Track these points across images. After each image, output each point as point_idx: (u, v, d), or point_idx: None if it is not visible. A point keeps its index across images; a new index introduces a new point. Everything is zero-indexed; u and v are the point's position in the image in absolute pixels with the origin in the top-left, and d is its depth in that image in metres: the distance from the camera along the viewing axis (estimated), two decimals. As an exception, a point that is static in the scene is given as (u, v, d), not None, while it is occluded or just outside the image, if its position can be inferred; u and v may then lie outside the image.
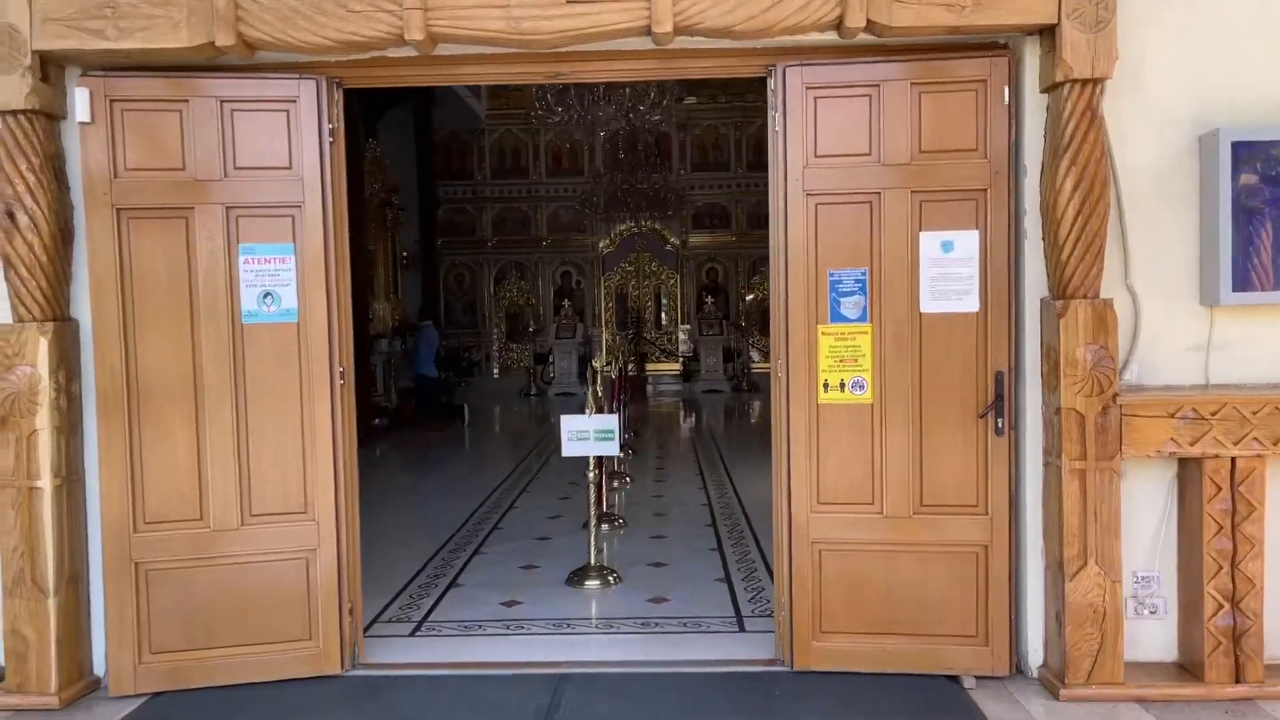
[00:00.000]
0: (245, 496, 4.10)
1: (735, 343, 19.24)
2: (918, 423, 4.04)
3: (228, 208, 4.05)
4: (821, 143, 4.03)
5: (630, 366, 18.00)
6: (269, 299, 4.10)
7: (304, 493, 4.15)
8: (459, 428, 13.29)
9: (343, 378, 4.21)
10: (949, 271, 3.99)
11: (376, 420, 12.34)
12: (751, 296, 19.79)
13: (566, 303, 19.64)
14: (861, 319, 4.05)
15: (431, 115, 16.57)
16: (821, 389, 4.08)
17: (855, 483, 4.08)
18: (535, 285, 20.20)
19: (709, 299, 19.66)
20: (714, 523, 7.09)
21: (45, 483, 3.88)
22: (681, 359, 19.65)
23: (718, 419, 14.74)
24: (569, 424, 5.54)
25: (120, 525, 4.01)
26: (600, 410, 6.01)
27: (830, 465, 4.09)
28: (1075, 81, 3.73)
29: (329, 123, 4.14)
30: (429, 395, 13.51)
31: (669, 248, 20.10)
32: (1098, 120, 3.77)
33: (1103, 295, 3.83)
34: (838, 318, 4.06)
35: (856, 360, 4.05)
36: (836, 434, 4.08)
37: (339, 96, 4.22)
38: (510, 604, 5.19)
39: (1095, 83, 3.75)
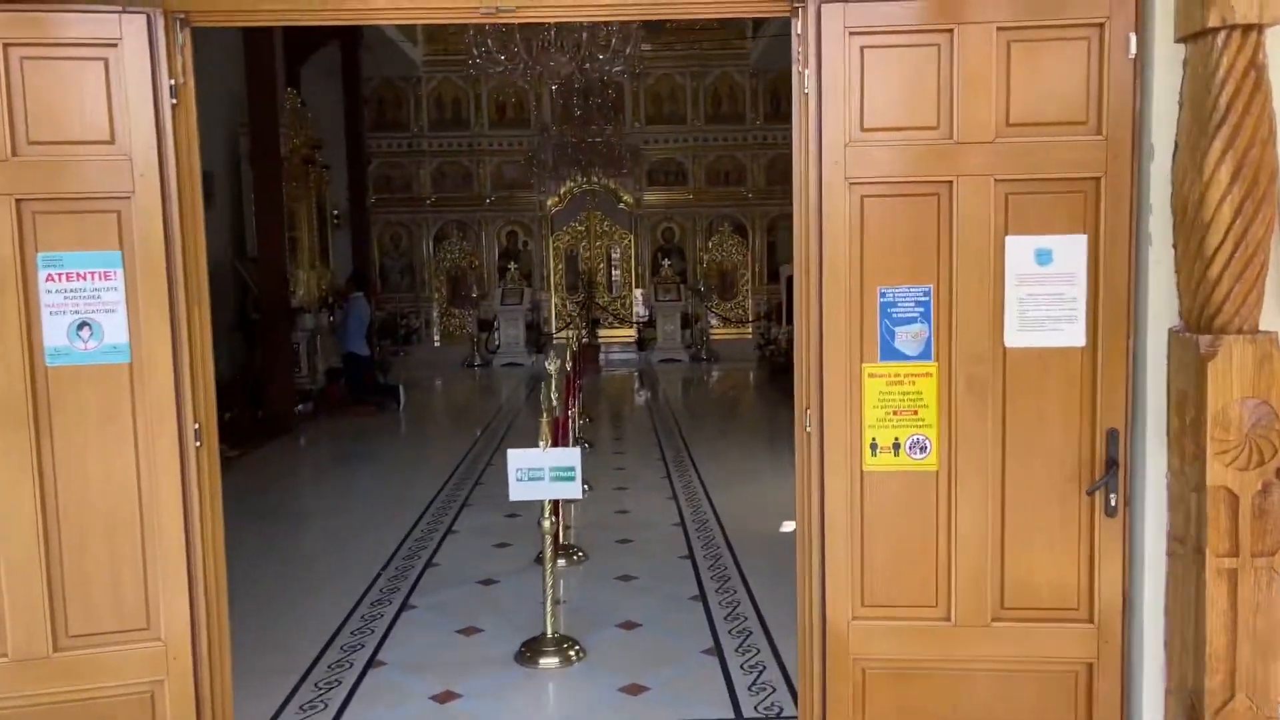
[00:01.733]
0: (57, 611, 2.90)
1: (693, 308, 18.14)
2: (999, 497, 2.95)
3: (18, 200, 2.79)
4: (871, 111, 2.88)
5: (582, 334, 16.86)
6: (86, 331, 2.87)
7: (144, 601, 2.95)
8: (394, 411, 12.04)
9: (199, 439, 2.99)
10: (1046, 291, 2.89)
11: (300, 406, 11.06)
12: (709, 258, 18.69)
13: (513, 265, 18.34)
14: (923, 355, 2.94)
15: (361, 62, 15.06)
16: (868, 451, 2.97)
17: (914, 579, 3.00)
18: (479, 246, 18.83)
19: (665, 261, 18.51)
20: (690, 553, 6.02)
21: None
22: (636, 325, 18.50)
23: (679, 398, 13.66)
24: (518, 461, 4.40)
25: None
26: (556, 435, 4.86)
27: (879, 554, 3.00)
28: (1235, 28, 2.61)
29: (170, 77, 2.89)
30: (359, 375, 12.21)
31: (622, 206, 18.85)
32: (1264, 84, 2.67)
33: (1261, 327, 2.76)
34: (891, 354, 2.94)
35: (916, 412, 2.95)
36: (888, 512, 2.99)
37: (185, 39, 2.96)
38: (445, 697, 4.06)
39: (1259, 30, 2.65)
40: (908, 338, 2.93)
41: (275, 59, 10.85)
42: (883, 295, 2.93)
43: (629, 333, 18.58)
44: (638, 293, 18.90)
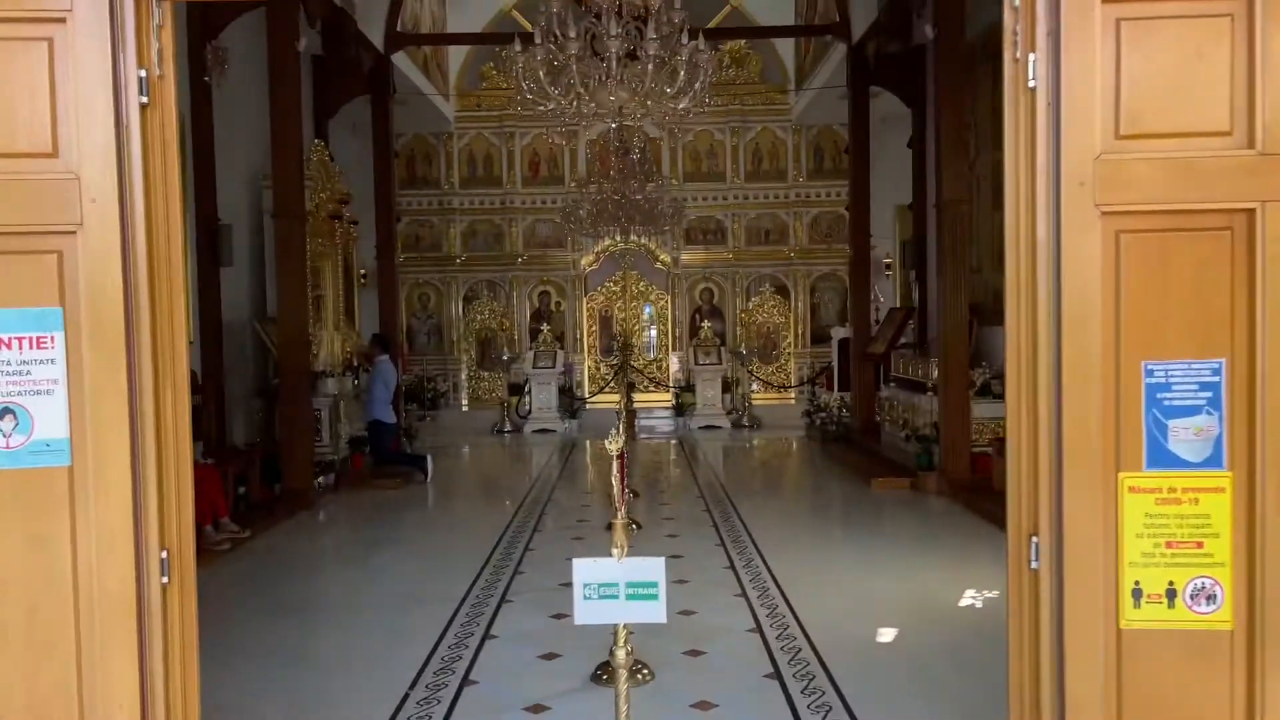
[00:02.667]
0: (-47, 832, 2.01)
1: (733, 371, 17.25)
2: (1326, 671, 2.02)
3: (-84, 235, 1.97)
4: (1131, 110, 2.02)
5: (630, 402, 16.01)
6: (9, 421, 2.02)
7: (81, 815, 2.06)
8: (421, 482, 11.15)
9: (168, 573, 2.12)
10: (1396, 369, 1.99)
11: (320, 478, 10.19)
12: (750, 319, 17.86)
13: (545, 326, 17.58)
14: (1212, 461, 2.03)
15: (392, 116, 14.47)
16: (1129, 600, 2.06)
17: (1200, 791, 2.06)
18: (509, 306, 18.15)
19: (704, 323, 17.67)
20: (776, 670, 5.04)
21: None
22: (674, 389, 17.61)
23: (727, 470, 12.71)
24: (585, 573, 3.47)
25: None
26: (625, 538, 3.94)
27: (1147, 754, 2.07)
28: None
29: (140, 67, 2.07)
30: (385, 444, 11.36)
31: (659, 265, 18.15)
32: None
33: None
34: (1163, 458, 2.04)
35: (1201, 544, 2.04)
36: (1159, 690, 2.06)
37: (164, 15, 2.15)
38: None
39: None
40: (1188, 435, 2.03)
41: (301, 108, 10.21)
42: (1149, 374, 2.03)
43: (666, 397, 17.71)
44: (675, 355, 18.08)
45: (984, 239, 11.27)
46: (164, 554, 2.12)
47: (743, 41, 17.73)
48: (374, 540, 8.67)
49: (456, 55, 17.78)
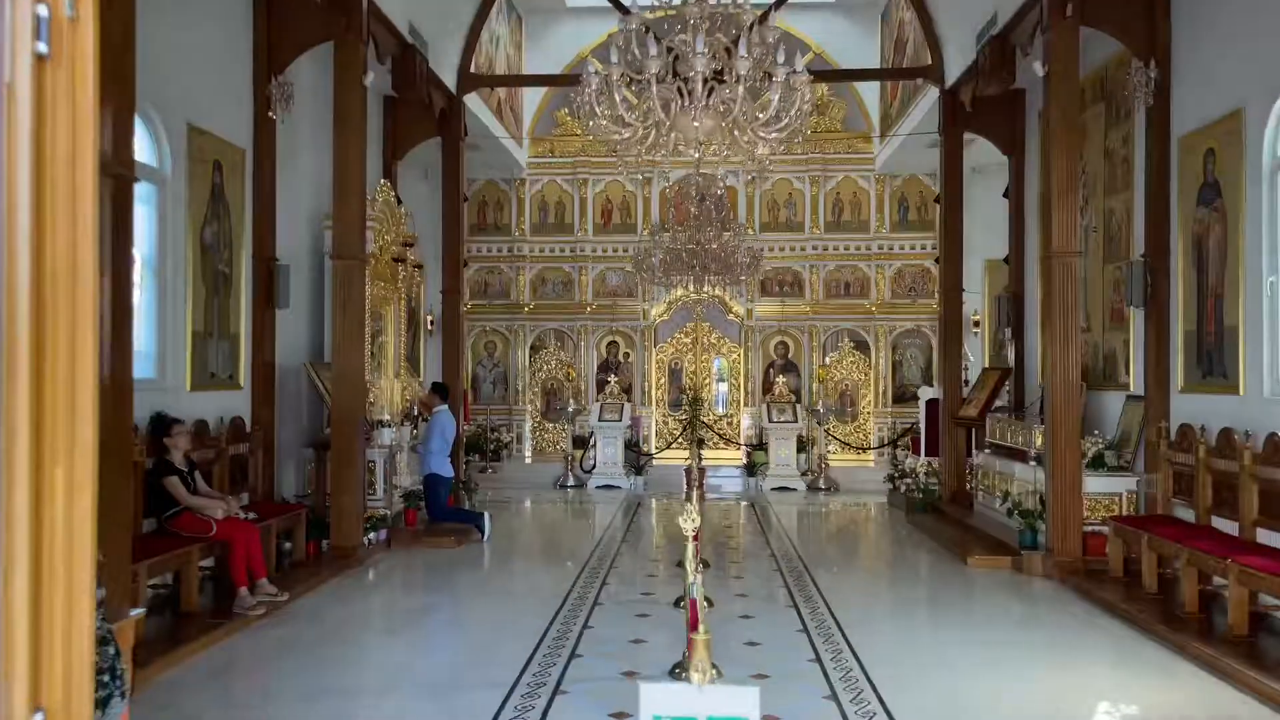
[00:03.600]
0: None
1: (809, 430, 16.36)
2: None
3: None
4: None
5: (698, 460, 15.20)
6: None
7: None
8: (477, 541, 10.48)
9: (38, 751, 1.41)
10: None
11: (369, 536, 9.57)
12: (827, 375, 16.97)
13: (612, 377, 16.94)
14: None
15: (463, 158, 14.09)
16: None
17: None
18: (576, 356, 17.58)
19: (778, 378, 16.85)
20: (881, 805, 4.17)
21: None
22: (745, 448, 16.74)
23: (804, 536, 11.81)
24: (656, 704, 2.71)
25: None
26: (709, 656, 3.16)
27: None
28: None
29: (40, 1, 1.42)
30: (441, 499, 10.72)
31: (731, 317, 17.43)
32: None
33: None
34: None
35: None
36: None
37: (83, -63, 1.50)
38: None
39: None
40: None
41: (366, 145, 9.77)
42: None
43: (736, 455, 16.84)
44: (746, 411, 17.24)
45: (1094, 295, 10.32)
46: (38, 718, 1.42)
47: (824, 88, 17.09)
48: (421, 608, 7.98)
49: (531, 101, 17.47)
